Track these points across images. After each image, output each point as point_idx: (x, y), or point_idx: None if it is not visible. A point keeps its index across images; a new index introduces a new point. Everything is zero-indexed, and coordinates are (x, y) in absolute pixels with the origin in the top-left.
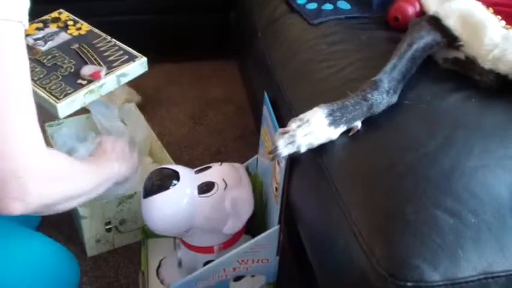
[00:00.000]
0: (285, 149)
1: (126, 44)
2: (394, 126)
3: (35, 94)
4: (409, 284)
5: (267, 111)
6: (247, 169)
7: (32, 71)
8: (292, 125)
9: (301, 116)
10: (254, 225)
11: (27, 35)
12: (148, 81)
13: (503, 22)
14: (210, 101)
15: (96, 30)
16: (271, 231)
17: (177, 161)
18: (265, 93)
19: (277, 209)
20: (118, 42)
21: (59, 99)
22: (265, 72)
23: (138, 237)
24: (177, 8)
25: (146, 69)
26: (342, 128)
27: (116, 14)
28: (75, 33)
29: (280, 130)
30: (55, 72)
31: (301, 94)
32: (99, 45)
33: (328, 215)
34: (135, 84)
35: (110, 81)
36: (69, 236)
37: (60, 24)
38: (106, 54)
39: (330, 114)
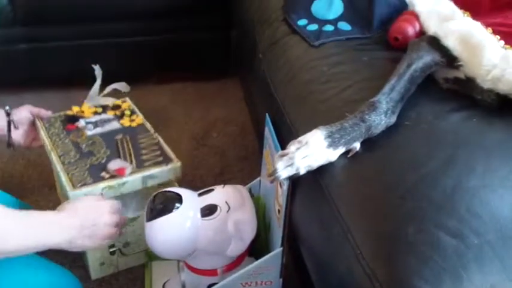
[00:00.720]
0: (284, 171)
1: (130, 64)
2: (394, 147)
3: (59, 176)
4: None
5: (269, 132)
6: (249, 191)
7: (67, 153)
8: (291, 147)
9: (300, 138)
10: (257, 247)
11: (82, 117)
12: (151, 101)
13: (502, 42)
14: (212, 121)
15: (147, 126)
16: (274, 254)
17: (180, 183)
18: (267, 115)
19: (280, 231)
20: (162, 142)
21: (74, 187)
22: (267, 93)
23: (142, 259)
24: (179, 28)
25: (179, 175)
26: (341, 150)
27: (121, 35)
28: (127, 124)
29: (280, 153)
30: (86, 160)
31: (302, 115)
32: (141, 140)
33: (330, 237)
34: (137, 104)
35: (134, 181)
36: (74, 260)
37: (117, 113)
38: (143, 151)
39: (329, 136)
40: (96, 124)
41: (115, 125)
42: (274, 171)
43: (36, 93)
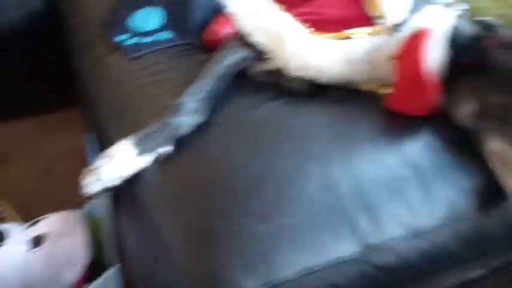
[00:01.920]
0: (92, 186)
1: None
2: (205, 144)
3: None
4: None
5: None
6: (91, 213)
7: None
8: (99, 161)
9: (107, 151)
10: (100, 271)
11: None
12: None
13: (312, 29)
14: (58, 153)
15: None
16: (107, 275)
17: (29, 218)
18: (86, 136)
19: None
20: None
21: None
22: (91, 114)
23: None
24: (14, 64)
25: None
26: (150, 156)
27: None
28: None
29: (86, 169)
30: None
31: (125, 129)
32: None
33: (148, 245)
34: None
35: None
36: None
37: None
38: None
39: (136, 144)
40: None
41: None
42: (82, 188)
43: None
